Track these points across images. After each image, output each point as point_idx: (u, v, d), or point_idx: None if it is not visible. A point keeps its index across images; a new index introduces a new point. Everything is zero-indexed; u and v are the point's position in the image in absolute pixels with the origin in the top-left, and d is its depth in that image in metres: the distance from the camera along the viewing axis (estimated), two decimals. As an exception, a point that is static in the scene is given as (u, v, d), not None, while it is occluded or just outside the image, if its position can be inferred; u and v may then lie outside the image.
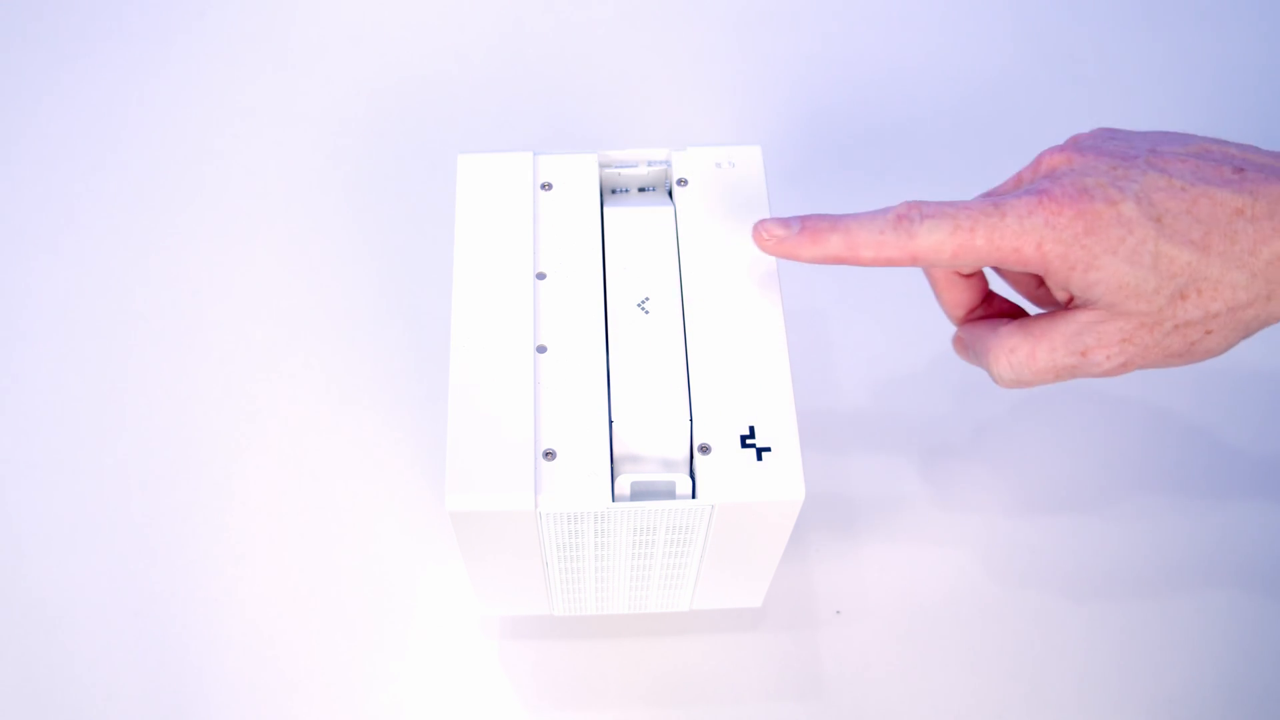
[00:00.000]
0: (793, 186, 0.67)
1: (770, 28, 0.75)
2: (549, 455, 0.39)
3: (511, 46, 0.74)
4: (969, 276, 0.45)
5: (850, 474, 0.59)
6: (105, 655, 0.54)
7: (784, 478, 0.39)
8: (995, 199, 0.39)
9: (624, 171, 0.47)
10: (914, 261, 0.40)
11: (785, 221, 0.41)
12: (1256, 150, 0.39)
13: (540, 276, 0.43)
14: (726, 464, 0.39)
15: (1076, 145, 0.40)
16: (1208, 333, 0.38)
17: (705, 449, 0.40)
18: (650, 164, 0.46)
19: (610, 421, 0.40)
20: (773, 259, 0.44)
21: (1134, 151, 0.39)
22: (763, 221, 0.41)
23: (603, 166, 0.46)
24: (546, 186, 0.45)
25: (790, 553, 0.55)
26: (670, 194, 0.46)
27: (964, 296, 0.45)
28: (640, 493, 0.39)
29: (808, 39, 0.75)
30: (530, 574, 0.45)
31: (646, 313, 0.42)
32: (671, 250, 0.44)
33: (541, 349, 0.42)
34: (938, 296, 0.46)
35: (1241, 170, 0.38)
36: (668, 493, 0.40)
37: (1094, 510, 0.58)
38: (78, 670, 0.53)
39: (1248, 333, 0.39)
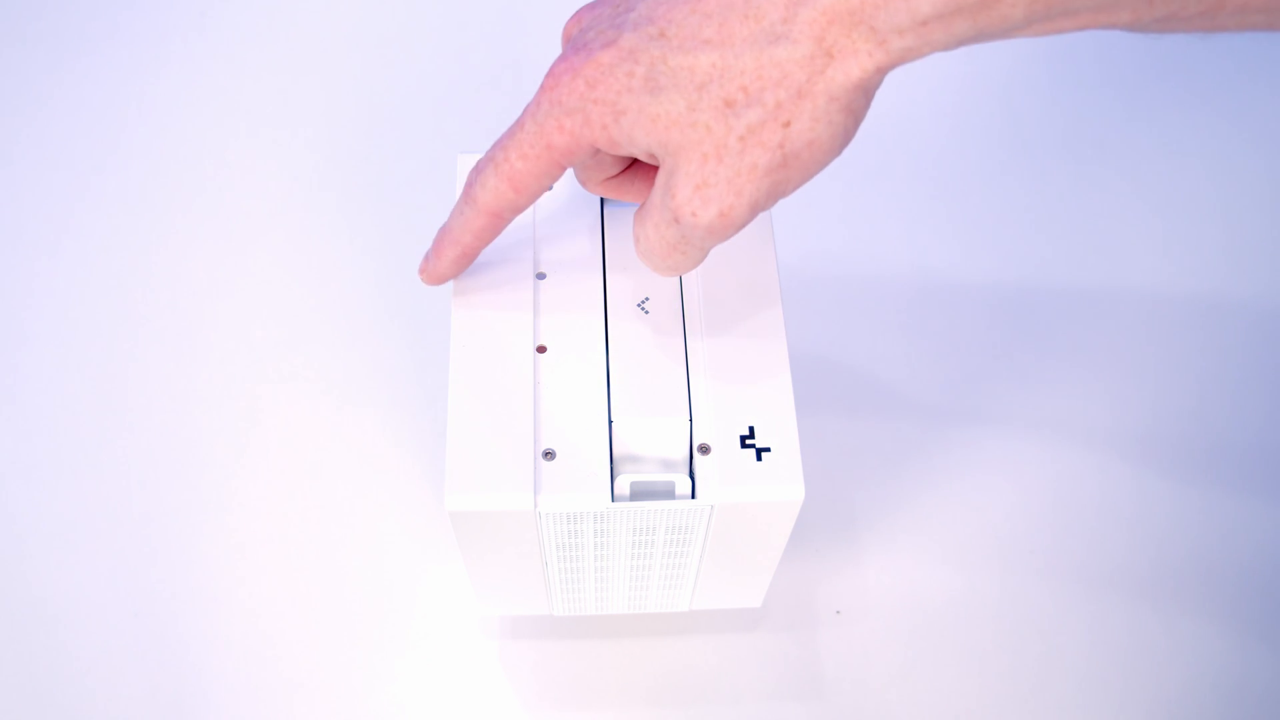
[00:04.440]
0: (793, 186, 0.67)
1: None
2: (549, 455, 0.39)
3: (512, 47, 0.74)
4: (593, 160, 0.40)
5: (850, 474, 0.59)
6: (105, 655, 0.54)
7: (784, 478, 0.39)
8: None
9: (624, 171, 0.47)
10: (498, 217, 0.39)
11: (425, 256, 0.42)
12: None
13: (540, 276, 0.43)
14: (726, 464, 0.39)
15: (588, 3, 0.37)
16: (786, 125, 0.32)
17: (705, 449, 0.40)
18: (650, 164, 0.46)
19: (610, 421, 0.40)
20: (772, 258, 0.44)
21: None
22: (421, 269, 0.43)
23: (603, 166, 0.46)
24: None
25: (790, 553, 0.55)
26: (670, 194, 0.46)
27: (593, 174, 0.40)
28: (640, 493, 0.39)
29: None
30: (530, 574, 0.45)
31: (646, 313, 0.42)
32: (671, 250, 0.44)
33: (541, 349, 0.42)
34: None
35: None
36: (667, 493, 0.40)
37: (1094, 510, 0.58)
38: (78, 670, 0.53)
39: (850, 108, 0.32)
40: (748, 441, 0.40)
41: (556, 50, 0.75)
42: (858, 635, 0.54)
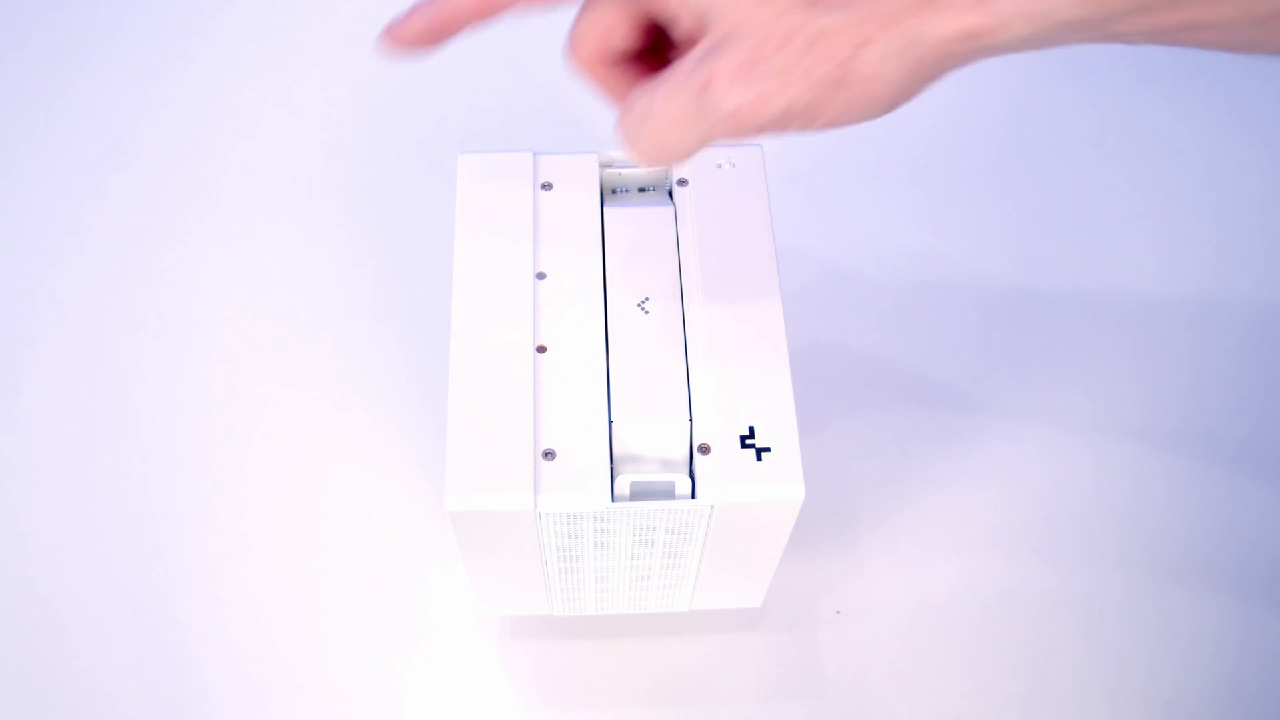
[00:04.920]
0: (792, 186, 0.67)
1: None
2: (549, 455, 0.39)
3: (512, 46, 0.74)
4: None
5: (850, 474, 0.59)
6: (107, 655, 0.54)
7: (784, 478, 0.39)
8: None
9: (624, 171, 0.47)
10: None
11: (395, 19, 0.35)
12: None
13: (540, 276, 0.43)
14: (726, 464, 0.39)
15: None
16: (860, 45, 0.30)
17: (705, 449, 0.40)
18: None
19: (610, 421, 0.40)
20: (772, 258, 0.44)
21: None
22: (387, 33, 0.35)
23: (603, 166, 0.46)
24: (546, 186, 0.45)
25: (790, 553, 0.55)
26: (670, 194, 0.46)
27: (595, 38, 0.36)
28: (640, 493, 0.39)
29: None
30: (530, 574, 0.45)
31: (646, 313, 0.42)
32: (671, 250, 0.44)
33: (541, 349, 0.42)
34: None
35: None
36: (667, 493, 0.40)
37: (1093, 510, 0.58)
38: (79, 670, 0.53)
39: (918, 64, 0.31)
40: (748, 441, 0.40)
41: (553, 50, 0.74)
42: (858, 635, 0.54)
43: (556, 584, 0.46)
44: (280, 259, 0.66)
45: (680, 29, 0.33)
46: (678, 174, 0.46)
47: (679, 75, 0.32)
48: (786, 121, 0.32)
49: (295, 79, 0.73)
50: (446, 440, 0.39)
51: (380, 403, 0.61)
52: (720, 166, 0.46)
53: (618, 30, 0.35)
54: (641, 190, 0.47)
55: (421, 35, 0.36)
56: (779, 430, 0.40)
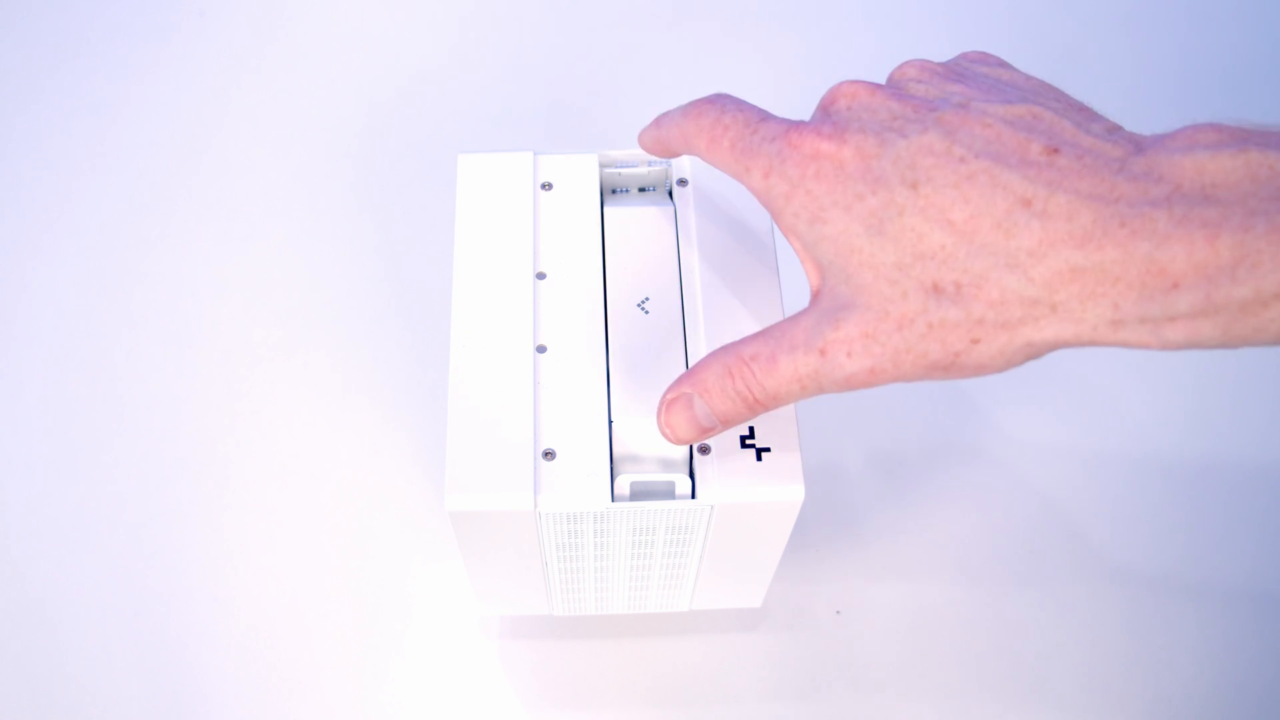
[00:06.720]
0: (793, 186, 0.67)
1: (769, 28, 0.75)
2: (548, 455, 0.39)
3: (511, 46, 0.74)
4: None
5: (850, 474, 0.59)
6: (102, 654, 0.54)
7: (784, 478, 0.39)
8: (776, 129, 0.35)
9: (624, 171, 0.47)
10: (669, 150, 0.41)
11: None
12: (1118, 133, 0.31)
13: (540, 276, 0.43)
14: (726, 464, 0.39)
15: (889, 80, 0.35)
16: (974, 342, 0.31)
17: (705, 449, 0.40)
18: (650, 164, 0.46)
19: (610, 421, 0.40)
20: (773, 258, 0.44)
21: (942, 100, 0.32)
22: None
23: (603, 166, 0.46)
24: (546, 186, 0.45)
25: (790, 553, 0.55)
26: (670, 194, 0.46)
27: None
28: (640, 493, 0.39)
29: (807, 39, 0.75)
30: (530, 574, 0.45)
31: (646, 313, 0.42)
32: (671, 250, 0.44)
33: (541, 349, 0.42)
34: None
35: (1055, 151, 0.30)
36: (667, 493, 0.40)
37: (1093, 510, 0.58)
38: (74, 670, 0.53)
39: (1028, 355, 0.31)
40: (747, 441, 0.40)
41: (553, 50, 0.75)
42: (858, 635, 0.54)
43: (556, 584, 0.46)
44: (279, 258, 0.66)
45: (802, 261, 0.36)
46: (678, 174, 0.46)
47: (803, 332, 0.34)
48: (894, 383, 0.34)
49: (294, 78, 0.73)
50: (446, 440, 0.39)
51: (380, 403, 0.61)
52: (720, 166, 0.46)
53: None
54: (641, 190, 0.47)
55: (652, 147, 0.42)
56: (779, 430, 0.40)
